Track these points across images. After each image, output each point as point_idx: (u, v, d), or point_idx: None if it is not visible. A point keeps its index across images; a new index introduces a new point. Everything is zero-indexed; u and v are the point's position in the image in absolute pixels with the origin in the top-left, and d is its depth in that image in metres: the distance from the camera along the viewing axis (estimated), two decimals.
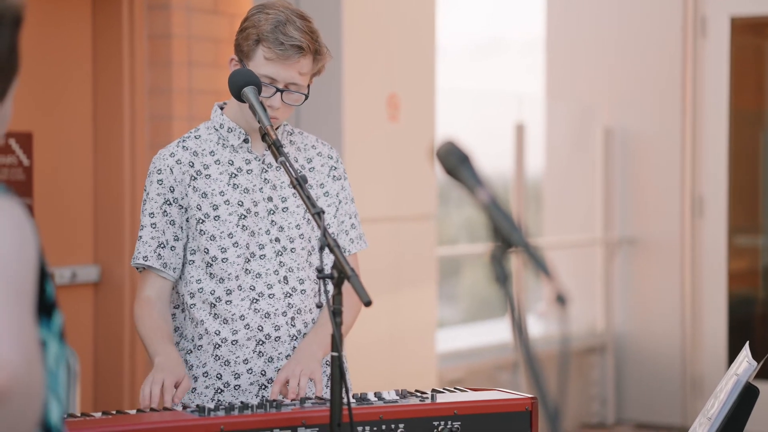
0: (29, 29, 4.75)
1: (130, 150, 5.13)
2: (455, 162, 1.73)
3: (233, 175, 2.95)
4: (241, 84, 2.83)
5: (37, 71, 4.96)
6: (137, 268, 2.98)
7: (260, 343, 2.94)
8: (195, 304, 2.95)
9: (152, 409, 2.71)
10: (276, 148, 2.73)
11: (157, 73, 5.13)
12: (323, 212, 2.58)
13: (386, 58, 5.67)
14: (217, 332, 2.93)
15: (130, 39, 5.12)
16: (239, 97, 2.84)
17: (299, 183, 2.64)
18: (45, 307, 1.50)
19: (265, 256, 2.94)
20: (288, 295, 2.95)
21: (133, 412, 2.68)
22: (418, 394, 2.83)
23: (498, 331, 7.36)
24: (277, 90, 2.89)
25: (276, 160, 2.72)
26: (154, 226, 2.93)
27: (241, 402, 2.70)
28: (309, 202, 2.61)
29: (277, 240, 2.95)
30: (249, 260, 2.93)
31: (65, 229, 5.10)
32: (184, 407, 2.71)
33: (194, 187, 2.94)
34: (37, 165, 4.98)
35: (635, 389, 7.61)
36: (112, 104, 5.15)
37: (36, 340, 1.39)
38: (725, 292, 7.40)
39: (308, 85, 2.95)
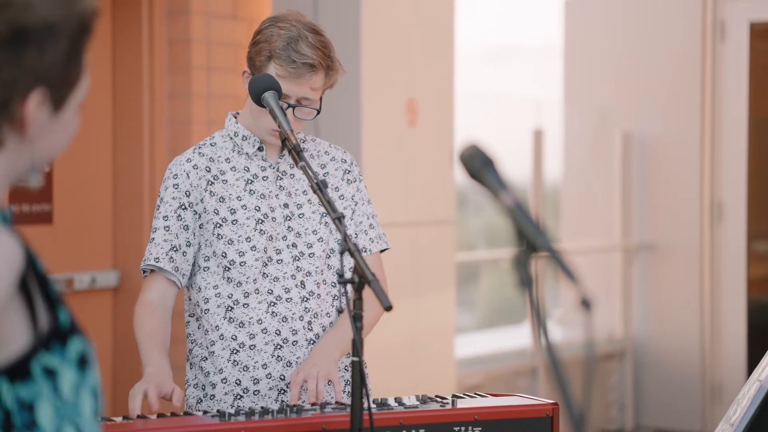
0: None
1: (150, 155, 5.14)
2: (479, 165, 1.72)
3: (249, 182, 2.95)
4: (261, 89, 2.83)
5: None
6: (143, 271, 2.94)
7: (278, 347, 2.93)
8: (209, 309, 2.93)
9: (173, 414, 2.71)
10: (296, 152, 2.73)
11: (177, 78, 5.14)
12: (344, 217, 2.57)
13: (405, 64, 5.67)
14: (234, 337, 2.92)
15: (149, 44, 5.13)
16: (260, 102, 2.84)
17: (319, 188, 2.64)
18: (58, 335, 1.49)
19: (282, 260, 2.94)
20: (305, 299, 2.94)
21: (154, 417, 2.68)
22: (439, 399, 2.82)
23: (516, 337, 7.34)
24: (289, 106, 2.89)
25: (296, 165, 2.72)
26: (167, 229, 2.91)
27: (262, 407, 2.69)
28: (330, 206, 2.61)
29: (294, 245, 2.95)
30: (266, 264, 2.93)
31: (85, 234, 5.11)
32: (205, 412, 2.71)
33: (211, 191, 2.93)
34: (57, 170, 4.99)
35: (654, 395, 7.58)
36: (131, 109, 5.16)
37: None
38: (744, 298, 7.37)
39: (320, 98, 2.95)
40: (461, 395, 2.88)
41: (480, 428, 2.72)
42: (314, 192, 2.66)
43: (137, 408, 2.67)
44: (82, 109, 1.63)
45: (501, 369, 6.82)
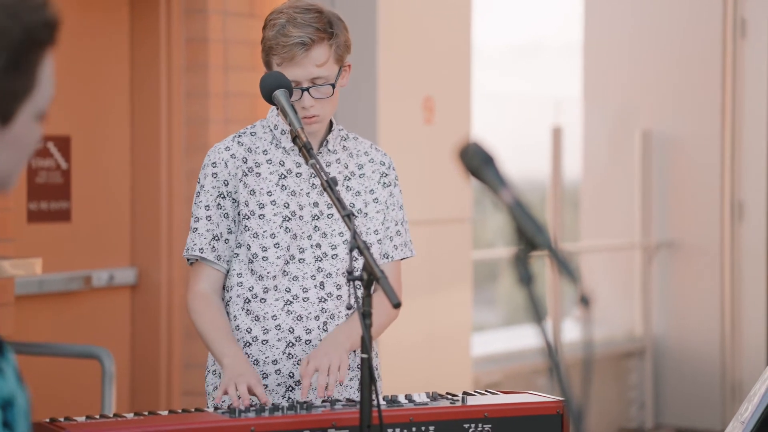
0: (67, 33, 4.78)
1: (167, 153, 5.17)
2: (479, 163, 1.73)
3: (283, 176, 2.97)
4: (271, 87, 2.84)
5: (74, 75, 5.00)
6: (189, 260, 2.99)
7: (290, 344, 2.94)
8: (231, 298, 2.97)
9: (184, 410, 2.73)
10: (306, 150, 2.74)
11: (194, 77, 5.16)
12: (353, 215, 2.58)
13: (422, 61, 5.67)
14: (249, 330, 2.95)
15: (167, 43, 5.15)
16: (271, 100, 2.85)
17: (329, 185, 2.65)
18: None
19: (304, 260, 2.95)
20: (323, 300, 2.95)
21: (165, 413, 2.70)
22: (449, 396, 2.83)
23: (535, 336, 7.33)
24: (303, 90, 2.90)
25: (306, 163, 2.73)
26: (209, 218, 2.96)
27: (273, 404, 2.71)
28: (339, 204, 2.62)
29: (318, 246, 2.96)
30: (288, 262, 2.94)
31: (103, 231, 5.14)
32: (215, 408, 2.73)
33: (245, 182, 2.95)
34: (75, 168, 5.02)
35: (674, 394, 7.56)
36: (149, 108, 5.18)
37: None
38: (765, 297, 7.34)
39: (341, 68, 2.93)
40: (472, 392, 2.88)
41: (490, 425, 2.72)
42: (324, 189, 2.67)
43: (238, 400, 2.72)
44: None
45: (520, 367, 6.82)
